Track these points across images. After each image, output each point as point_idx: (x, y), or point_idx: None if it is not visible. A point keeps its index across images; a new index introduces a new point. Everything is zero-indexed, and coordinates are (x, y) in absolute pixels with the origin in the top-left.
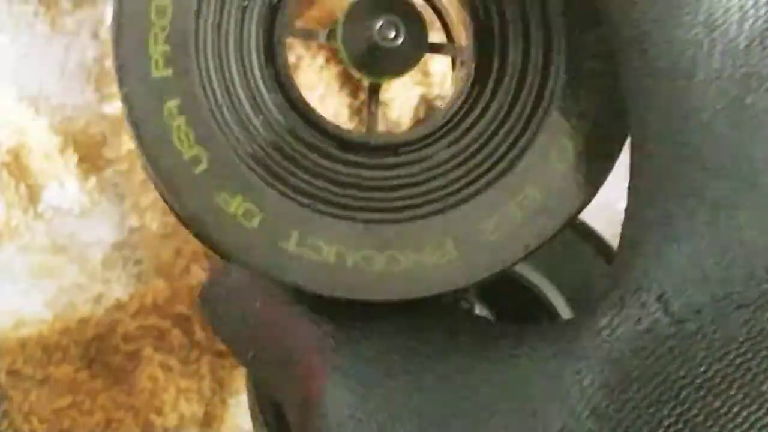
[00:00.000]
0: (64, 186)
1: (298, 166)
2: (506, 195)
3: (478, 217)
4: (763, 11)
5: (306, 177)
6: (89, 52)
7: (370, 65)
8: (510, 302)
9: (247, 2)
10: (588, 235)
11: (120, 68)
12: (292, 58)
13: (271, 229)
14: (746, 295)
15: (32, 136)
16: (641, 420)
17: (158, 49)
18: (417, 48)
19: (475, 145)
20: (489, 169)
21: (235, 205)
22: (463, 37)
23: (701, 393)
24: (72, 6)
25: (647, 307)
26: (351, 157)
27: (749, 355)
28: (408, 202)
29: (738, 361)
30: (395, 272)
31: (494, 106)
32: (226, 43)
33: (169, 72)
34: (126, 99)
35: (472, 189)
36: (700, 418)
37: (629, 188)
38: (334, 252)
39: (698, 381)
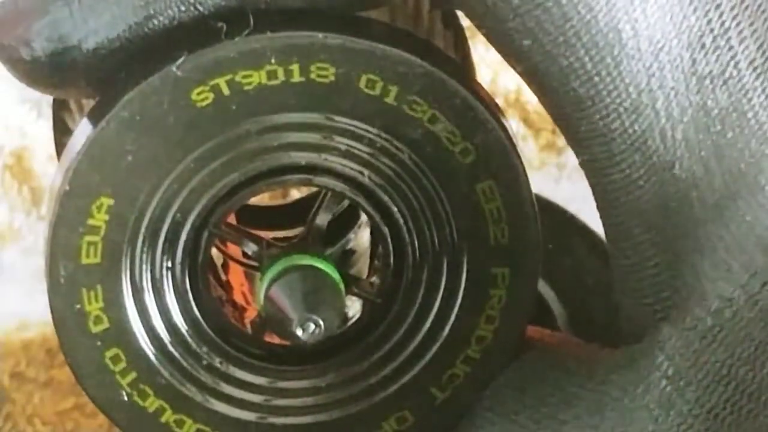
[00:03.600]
0: None
1: (221, 375)
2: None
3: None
4: (693, 19)
5: (229, 388)
6: None
7: (290, 339)
8: None
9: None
10: (579, 229)
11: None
12: None
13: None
14: None
15: (35, 139)
16: (702, 398)
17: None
18: (334, 328)
19: (366, 364)
20: (374, 388)
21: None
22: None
23: (747, 367)
24: None
25: (689, 306)
26: (270, 366)
27: None
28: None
29: None
30: None
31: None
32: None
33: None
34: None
35: (353, 405)
36: (753, 387)
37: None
38: None
39: (744, 356)
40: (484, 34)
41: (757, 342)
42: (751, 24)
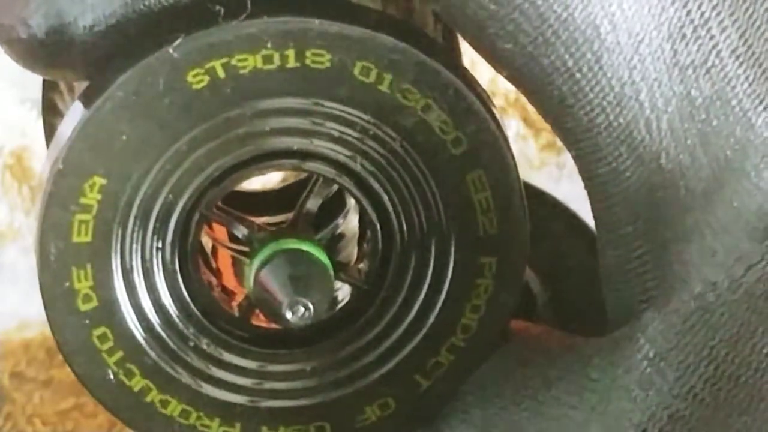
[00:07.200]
0: None
1: (209, 358)
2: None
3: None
4: (671, 10)
5: (219, 371)
6: None
7: (279, 322)
8: None
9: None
10: (559, 211)
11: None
12: None
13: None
14: (753, 255)
15: (35, 139)
16: (682, 378)
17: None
18: (323, 312)
19: (359, 345)
20: (358, 373)
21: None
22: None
23: (728, 348)
24: None
25: (673, 292)
26: (257, 349)
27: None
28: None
29: (760, 311)
30: None
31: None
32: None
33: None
34: (54, 331)
35: (338, 390)
36: (734, 368)
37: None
38: None
39: (726, 338)
40: (469, 42)
41: (739, 324)
42: (732, 14)
